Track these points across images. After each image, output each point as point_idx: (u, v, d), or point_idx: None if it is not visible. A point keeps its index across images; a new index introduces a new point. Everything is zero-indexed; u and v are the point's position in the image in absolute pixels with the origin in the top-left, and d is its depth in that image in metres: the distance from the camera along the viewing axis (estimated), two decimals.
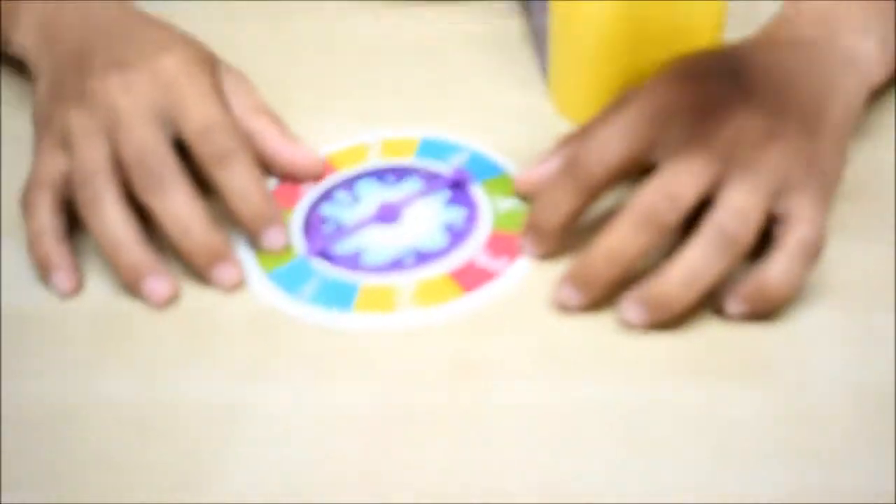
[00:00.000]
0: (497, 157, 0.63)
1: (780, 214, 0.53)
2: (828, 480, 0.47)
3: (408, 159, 0.63)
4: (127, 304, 0.56)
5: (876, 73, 0.60)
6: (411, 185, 0.62)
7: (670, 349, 0.52)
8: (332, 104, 0.67)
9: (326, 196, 0.61)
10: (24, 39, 0.64)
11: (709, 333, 0.53)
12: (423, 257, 0.58)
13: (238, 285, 0.56)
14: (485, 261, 0.57)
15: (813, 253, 0.52)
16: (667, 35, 0.60)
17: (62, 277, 0.56)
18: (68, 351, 0.54)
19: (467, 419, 0.50)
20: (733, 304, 0.53)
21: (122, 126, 0.56)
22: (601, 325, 0.54)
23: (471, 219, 0.59)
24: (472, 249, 0.58)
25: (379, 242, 0.59)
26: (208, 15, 0.71)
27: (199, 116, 0.57)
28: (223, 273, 0.56)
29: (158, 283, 0.55)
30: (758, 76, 0.55)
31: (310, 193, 0.62)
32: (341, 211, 0.60)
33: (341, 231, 0.59)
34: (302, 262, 0.58)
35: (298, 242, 0.59)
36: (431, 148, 0.64)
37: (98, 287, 0.57)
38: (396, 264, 0.57)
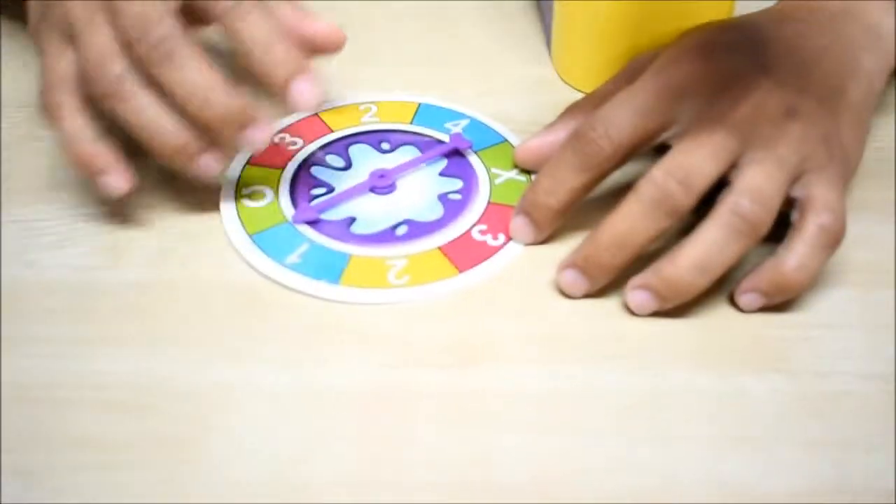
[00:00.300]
0: (497, 125, 0.61)
1: (798, 198, 0.51)
2: (843, 468, 0.46)
3: (405, 124, 0.61)
4: (112, 277, 0.53)
5: None
6: (407, 154, 0.59)
7: (679, 334, 0.51)
8: (330, 70, 0.65)
9: (318, 157, 0.59)
10: None
11: (720, 317, 0.51)
12: (416, 228, 0.55)
13: (266, 144, 0.53)
14: (481, 235, 0.55)
15: (833, 242, 0.50)
16: (676, 2, 0.58)
17: (114, 179, 0.53)
18: (52, 327, 0.51)
19: (465, 402, 0.48)
20: (748, 297, 0.51)
21: (118, 3, 0.52)
22: (606, 307, 0.52)
23: (467, 190, 0.57)
24: (468, 222, 0.56)
25: (371, 211, 0.56)
26: None
27: None
28: (254, 136, 0.52)
29: (209, 160, 0.52)
30: (779, 51, 0.53)
31: (301, 153, 0.59)
32: (333, 175, 0.58)
33: (332, 199, 0.56)
34: (289, 227, 0.55)
35: (286, 204, 0.56)
36: (429, 113, 0.62)
37: (82, 261, 0.54)
38: (388, 235, 0.55)
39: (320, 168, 0.58)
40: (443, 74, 0.65)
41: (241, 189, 0.57)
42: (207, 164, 0.53)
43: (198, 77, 0.51)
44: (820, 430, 0.47)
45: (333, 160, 0.59)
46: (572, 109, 0.57)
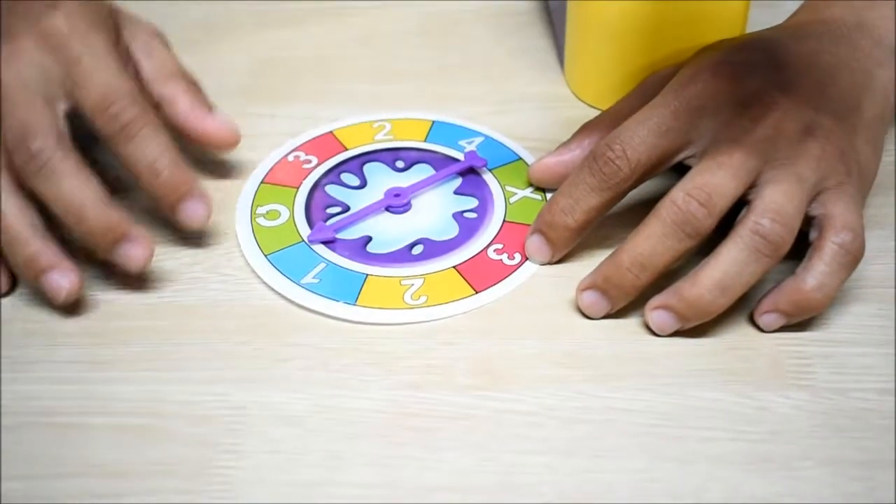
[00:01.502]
0: (511, 142, 0.61)
1: (817, 216, 0.51)
2: (868, 485, 0.46)
3: (419, 141, 0.61)
4: (128, 299, 0.53)
5: None
6: (422, 172, 0.59)
7: (701, 353, 0.50)
8: (340, 86, 0.66)
9: (333, 176, 0.59)
10: None
11: (741, 335, 0.51)
12: (432, 248, 0.55)
13: (146, 263, 0.52)
14: (496, 254, 0.55)
15: (853, 261, 0.50)
16: (690, 17, 0.58)
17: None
18: (62, 351, 0.51)
19: (487, 424, 0.48)
20: (769, 317, 0.50)
21: (5, 103, 0.52)
22: (626, 327, 0.52)
23: (482, 208, 0.57)
24: (484, 241, 0.55)
25: (387, 230, 0.56)
26: None
27: (94, 86, 0.52)
28: (129, 252, 0.51)
29: (59, 278, 0.51)
30: (796, 68, 0.53)
31: (315, 171, 0.59)
32: (348, 194, 0.58)
33: (348, 218, 0.56)
34: (305, 247, 0.55)
35: (302, 223, 0.56)
36: (443, 131, 0.62)
37: (98, 283, 0.54)
38: (404, 254, 0.55)
39: (335, 187, 0.58)
40: (457, 91, 0.65)
41: (256, 208, 0.57)
42: (55, 282, 0.51)
43: (73, 192, 0.50)
44: (844, 447, 0.47)
45: (348, 179, 0.59)
46: (588, 127, 0.57)
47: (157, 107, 0.56)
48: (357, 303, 0.52)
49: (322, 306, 0.52)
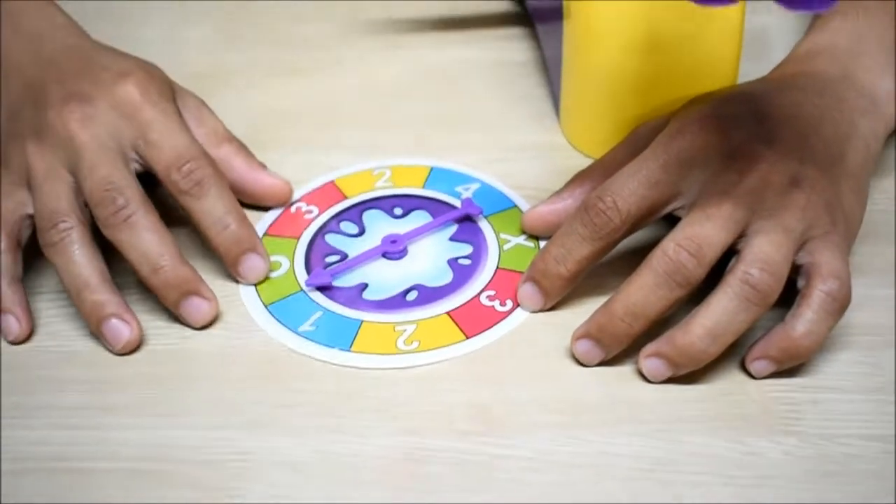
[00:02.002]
0: (507, 189, 0.62)
1: (804, 265, 0.52)
2: None
3: (417, 188, 0.62)
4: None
5: (895, 114, 0.59)
6: (419, 219, 0.60)
7: (692, 399, 0.51)
8: (341, 134, 0.67)
9: (332, 225, 0.60)
10: None
11: (731, 381, 0.52)
12: (426, 294, 0.56)
13: (213, 319, 0.55)
14: (489, 301, 0.56)
15: (840, 308, 0.51)
16: (681, 67, 0.59)
17: (11, 322, 0.55)
18: (70, 396, 0.52)
19: (485, 469, 0.49)
20: (759, 364, 0.51)
21: (83, 162, 0.55)
22: (619, 373, 0.53)
23: (476, 255, 0.58)
24: (476, 287, 0.56)
25: (383, 277, 0.57)
26: (210, 40, 0.70)
27: (168, 147, 0.56)
28: (195, 307, 0.54)
29: (120, 325, 0.53)
30: (780, 121, 0.54)
31: (316, 221, 0.60)
32: (347, 242, 0.59)
33: (344, 264, 0.58)
34: (303, 296, 0.56)
35: (301, 272, 0.57)
36: (441, 177, 0.63)
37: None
38: (399, 301, 0.56)
39: (334, 235, 0.59)
40: (455, 140, 0.66)
41: None
42: (115, 329, 0.53)
43: (152, 246, 0.54)
44: (831, 492, 0.47)
45: (347, 227, 0.60)
46: (580, 177, 0.58)
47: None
48: (352, 349, 0.54)
49: (318, 353, 0.54)
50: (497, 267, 0.57)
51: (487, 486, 0.48)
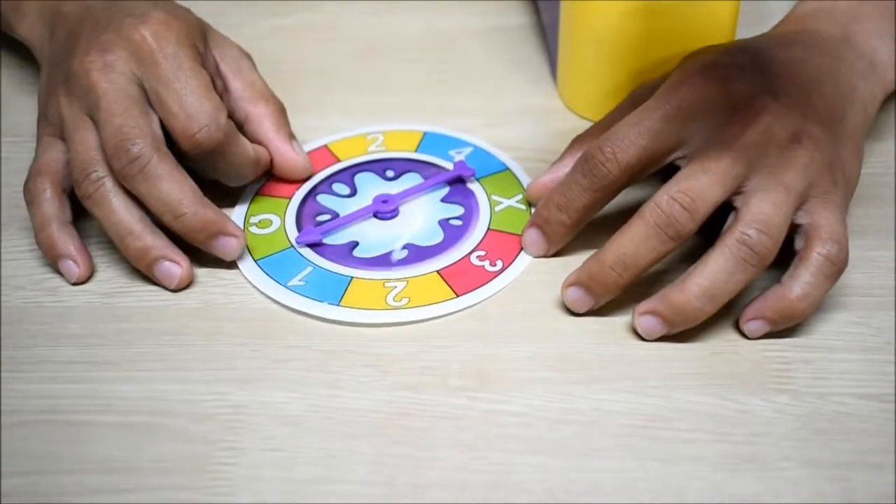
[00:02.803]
0: (499, 153, 0.62)
1: (803, 225, 0.52)
2: (846, 486, 0.47)
3: (410, 152, 0.62)
4: (128, 302, 0.55)
5: (893, 79, 0.59)
6: (411, 181, 0.60)
7: (685, 357, 0.52)
8: (338, 98, 0.67)
9: (324, 186, 0.60)
10: (30, 32, 0.62)
11: (724, 340, 0.52)
12: (416, 253, 0.56)
13: (239, 253, 0.55)
14: (479, 260, 0.56)
15: (837, 271, 0.51)
16: (679, 31, 0.60)
17: (71, 265, 0.55)
18: (65, 351, 0.52)
19: (479, 424, 0.49)
20: (754, 324, 0.52)
21: (100, 112, 0.54)
22: (612, 330, 0.53)
23: (468, 216, 0.58)
24: (467, 248, 0.57)
25: (373, 236, 0.57)
26: (210, 7, 0.69)
27: (179, 111, 0.55)
28: (224, 245, 0.55)
29: (171, 267, 0.54)
30: (784, 74, 0.54)
31: (307, 183, 0.60)
32: (338, 202, 0.59)
33: (335, 222, 0.58)
34: (294, 252, 0.57)
35: (292, 230, 0.58)
36: (434, 141, 0.63)
37: (101, 287, 0.56)
38: (389, 259, 0.56)
39: (326, 196, 0.60)
40: (452, 103, 0.66)
41: (250, 217, 0.58)
42: (167, 271, 0.54)
43: (170, 192, 0.53)
44: (823, 449, 0.48)
45: (339, 188, 0.60)
46: (578, 141, 0.58)
47: (243, 123, 0.59)
48: (341, 303, 0.54)
49: (307, 307, 0.54)
50: (488, 228, 0.58)
51: (480, 441, 0.48)
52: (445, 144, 0.63)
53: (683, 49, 0.57)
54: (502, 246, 0.56)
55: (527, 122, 0.64)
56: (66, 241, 0.55)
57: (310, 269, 0.56)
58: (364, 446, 0.48)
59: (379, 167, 0.61)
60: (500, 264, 0.56)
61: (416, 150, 0.62)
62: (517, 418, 0.49)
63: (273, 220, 0.58)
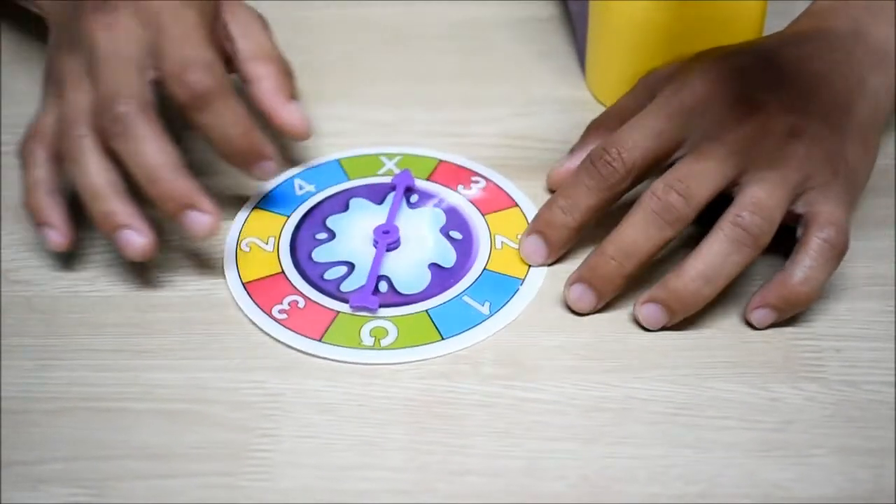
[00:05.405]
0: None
1: (803, 214, 0.52)
2: (877, 473, 0.47)
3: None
4: (165, 293, 0.55)
5: None
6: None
7: (715, 346, 0.52)
8: (364, 89, 0.67)
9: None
10: None
11: (754, 331, 0.53)
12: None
13: (212, 233, 0.53)
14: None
15: (837, 254, 0.52)
16: (707, 25, 0.60)
17: (52, 234, 0.54)
18: (105, 339, 0.53)
19: (512, 412, 0.50)
20: (760, 313, 0.52)
21: (96, 71, 0.53)
22: (626, 323, 0.53)
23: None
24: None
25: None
26: None
27: (175, 55, 0.53)
28: (193, 221, 0.53)
29: (132, 235, 0.52)
30: (787, 73, 0.55)
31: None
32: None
33: (369, 278, 0.56)
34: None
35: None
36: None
37: (133, 277, 0.56)
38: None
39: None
40: (480, 94, 0.66)
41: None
42: (128, 238, 0.52)
43: (150, 156, 0.52)
44: (853, 436, 0.48)
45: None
46: (595, 127, 0.59)
47: (246, 83, 0.58)
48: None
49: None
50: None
51: (514, 428, 0.49)
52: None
53: (711, 42, 0.58)
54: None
55: (555, 113, 0.65)
56: (52, 208, 0.54)
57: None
58: (399, 434, 0.49)
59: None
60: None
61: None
62: (550, 406, 0.50)
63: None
